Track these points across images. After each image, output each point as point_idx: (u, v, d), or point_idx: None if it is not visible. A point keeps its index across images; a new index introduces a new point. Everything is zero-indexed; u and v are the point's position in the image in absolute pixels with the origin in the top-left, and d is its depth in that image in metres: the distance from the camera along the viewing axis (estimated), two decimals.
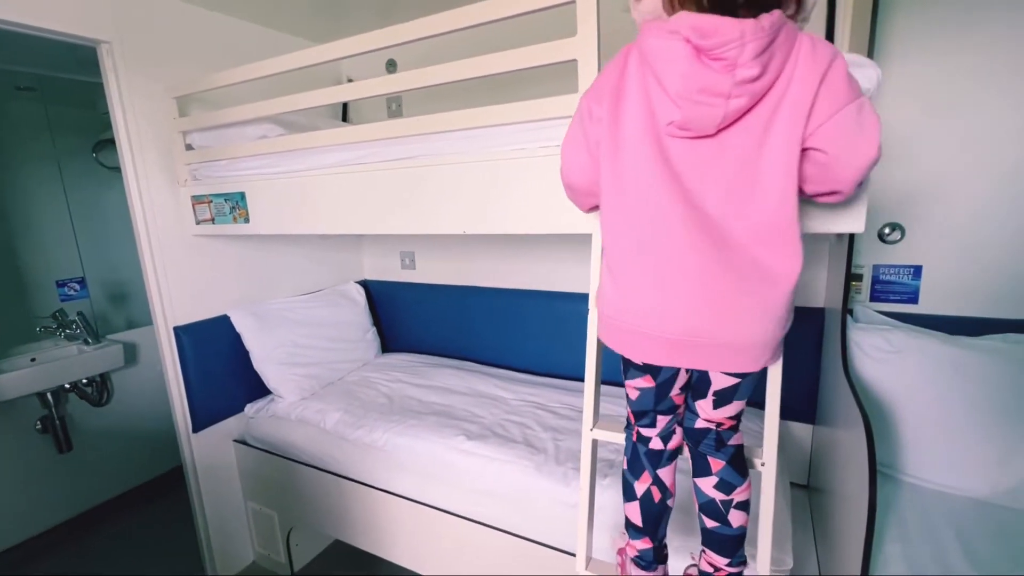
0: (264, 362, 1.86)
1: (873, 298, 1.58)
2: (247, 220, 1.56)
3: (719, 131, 0.68)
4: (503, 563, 1.41)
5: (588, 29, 0.93)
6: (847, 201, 0.80)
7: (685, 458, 0.94)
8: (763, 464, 0.88)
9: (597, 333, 0.91)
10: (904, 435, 1.31)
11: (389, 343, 2.47)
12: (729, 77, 0.63)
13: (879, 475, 1.30)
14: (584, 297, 0.84)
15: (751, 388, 0.83)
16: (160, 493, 2.48)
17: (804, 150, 0.67)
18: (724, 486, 0.87)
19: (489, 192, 1.16)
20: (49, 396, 2.14)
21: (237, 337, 1.86)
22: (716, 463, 0.87)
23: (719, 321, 0.72)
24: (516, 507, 1.39)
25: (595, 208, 0.86)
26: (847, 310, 1.41)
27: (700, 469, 0.89)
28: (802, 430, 1.69)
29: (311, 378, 1.95)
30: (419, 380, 2.04)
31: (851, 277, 1.47)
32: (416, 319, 2.41)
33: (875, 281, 1.57)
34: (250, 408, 1.93)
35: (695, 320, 0.73)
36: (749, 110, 0.66)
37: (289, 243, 2.12)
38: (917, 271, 1.51)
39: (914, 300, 1.52)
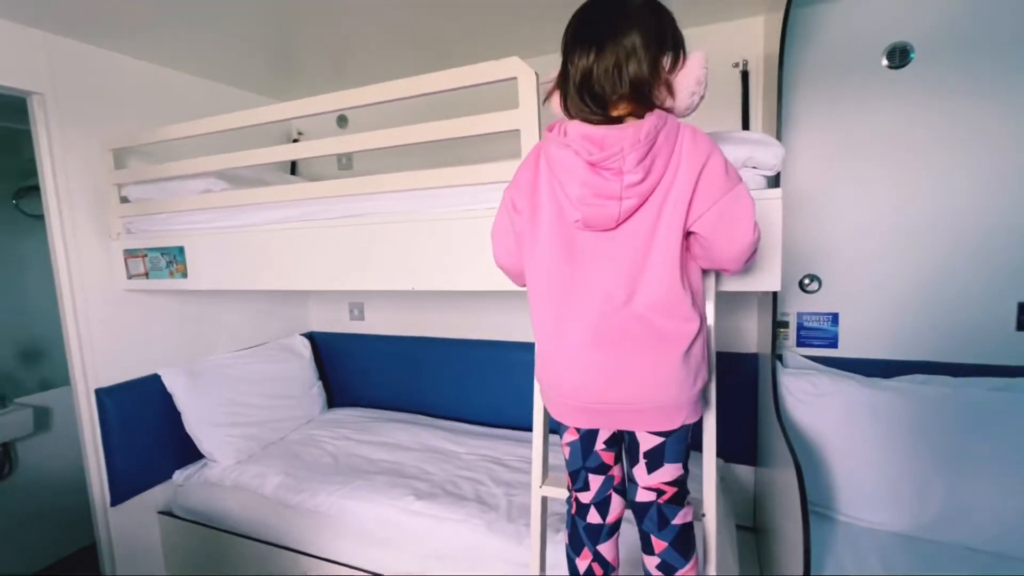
0: (197, 424, 1.74)
1: (800, 343, 1.70)
2: (184, 275, 1.50)
3: (618, 225, 0.76)
4: None
5: (528, 102, 1.01)
6: (764, 264, 0.89)
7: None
8: (703, 515, 0.91)
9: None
10: (835, 475, 1.39)
11: (336, 398, 2.38)
12: (618, 182, 0.72)
13: (816, 516, 1.37)
14: (533, 347, 0.88)
15: (678, 449, 0.85)
16: (80, 569, 2.19)
17: (691, 233, 0.76)
18: (666, 568, 0.87)
19: (437, 250, 1.19)
20: None
21: (168, 398, 1.74)
22: (658, 543, 0.87)
23: (623, 387, 0.79)
24: (467, 569, 1.34)
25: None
26: (776, 356, 1.52)
27: (644, 546, 0.90)
28: (745, 472, 1.76)
29: (250, 439, 1.84)
30: (367, 436, 1.97)
31: (778, 324, 1.59)
32: (365, 372, 2.34)
33: (800, 327, 1.69)
34: (179, 475, 1.78)
35: (602, 388, 0.80)
36: (641, 205, 0.75)
37: (230, 296, 2.04)
38: (835, 318, 1.65)
39: (834, 344, 1.66)
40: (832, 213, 1.60)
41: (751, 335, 1.73)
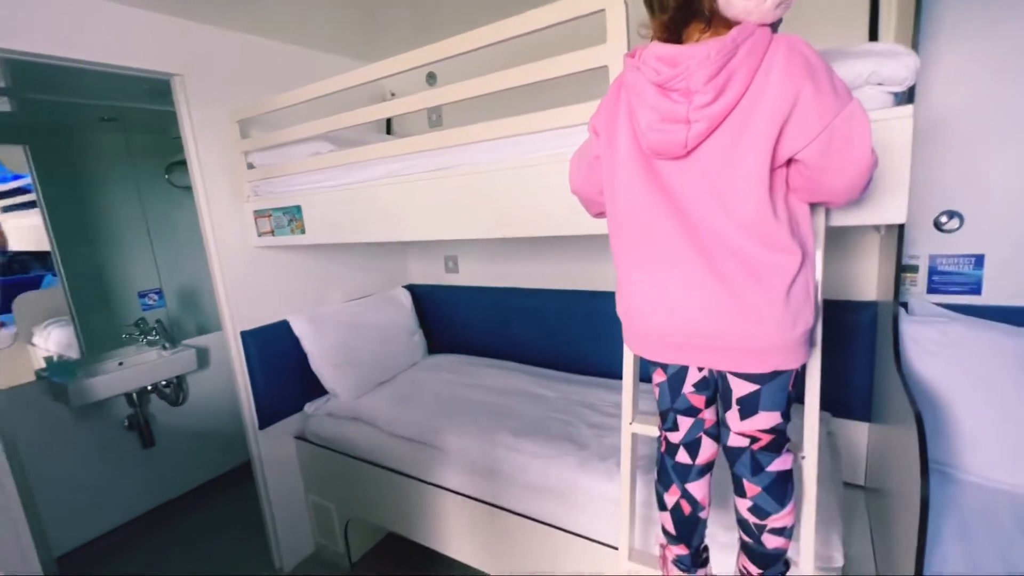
0: (321, 363, 1.98)
1: (931, 290, 1.51)
2: (303, 231, 1.68)
3: (691, 152, 0.71)
4: (548, 556, 1.45)
5: (617, 36, 0.96)
6: (886, 191, 0.79)
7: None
8: (803, 457, 0.88)
9: None
10: (964, 432, 1.25)
11: (435, 344, 2.56)
12: (686, 104, 0.67)
13: (937, 474, 1.25)
14: None
15: (777, 399, 0.80)
16: (232, 485, 2.67)
17: (792, 161, 0.69)
18: (758, 512, 0.85)
19: (525, 196, 1.21)
20: (134, 396, 2.37)
21: (296, 340, 1.99)
22: (751, 487, 0.85)
23: (711, 321, 0.75)
24: (561, 502, 1.42)
25: (602, 215, 0.93)
26: (900, 303, 1.37)
27: (736, 488, 0.88)
28: (858, 429, 1.64)
29: (364, 378, 2.06)
30: (464, 379, 2.11)
31: (903, 269, 1.42)
32: (460, 321, 2.49)
33: (932, 272, 1.50)
34: (309, 407, 2.06)
35: (689, 321, 0.77)
36: (714, 130, 0.69)
37: (340, 252, 2.25)
38: (979, 260, 1.44)
39: (976, 291, 1.45)
40: (983, 142, 1.36)
41: (869, 282, 1.57)
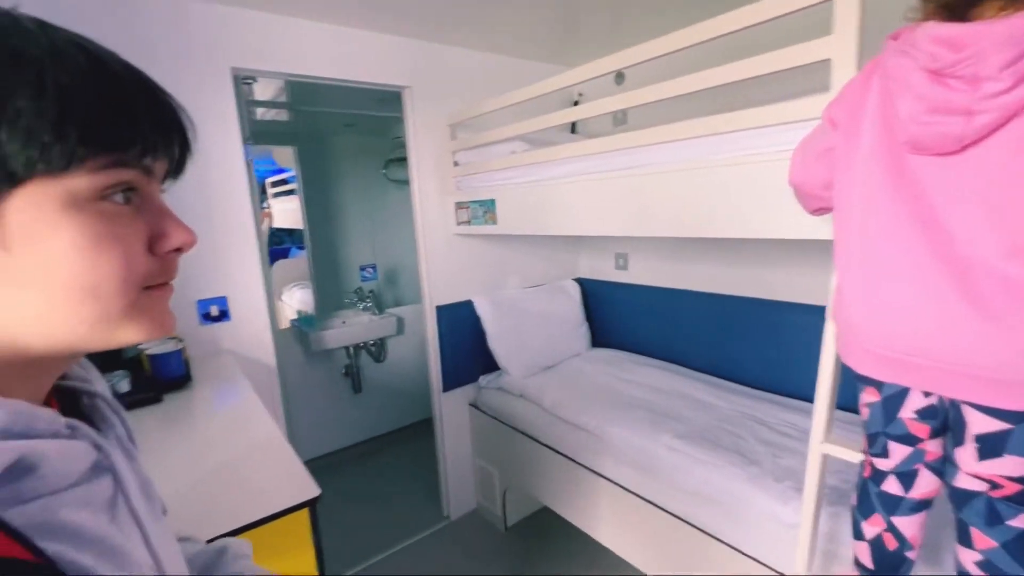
0: (496, 342, 2.19)
1: None
2: (495, 222, 1.88)
3: (966, 148, 0.61)
4: (702, 565, 1.42)
5: (848, 27, 0.89)
6: None
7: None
8: None
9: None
10: None
11: (599, 338, 2.62)
12: (970, 92, 0.58)
13: None
14: (816, 309, 0.82)
15: None
16: (416, 435, 3.11)
17: None
18: (991, 569, 0.71)
19: (710, 197, 1.19)
20: (351, 350, 2.92)
21: (477, 319, 2.24)
22: (984, 540, 0.71)
23: (950, 341, 0.65)
24: (723, 513, 1.38)
25: (820, 211, 0.86)
26: None
27: (961, 537, 0.75)
28: None
29: (532, 361, 2.22)
30: (626, 375, 2.14)
31: None
32: (625, 318, 2.51)
33: None
34: (483, 379, 2.30)
35: (920, 338, 0.68)
36: (1004, 124, 0.58)
37: (521, 242, 2.44)
38: None
39: None
40: None
41: None
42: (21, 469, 0.29)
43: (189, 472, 0.98)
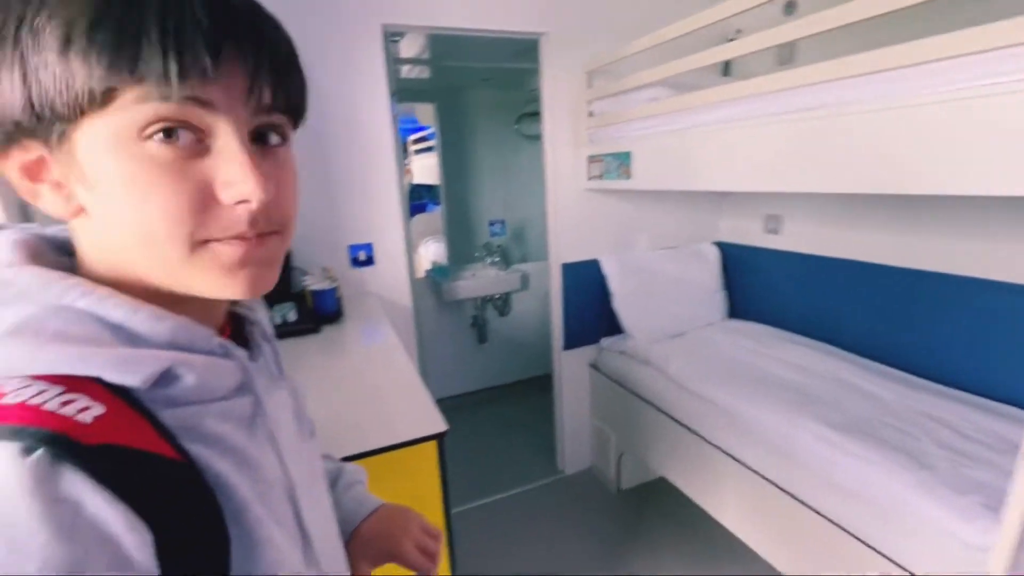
0: (622, 304, 2.11)
1: None
2: (629, 177, 1.77)
3: None
4: (846, 569, 1.25)
5: None
6: None
7: None
8: None
9: None
10: None
11: (737, 308, 2.39)
12: None
13: None
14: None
15: None
16: (534, 390, 3.20)
17: None
18: None
19: (905, 145, 0.95)
20: (478, 302, 3.06)
21: (602, 279, 2.17)
22: None
23: None
24: (878, 517, 1.19)
25: None
26: None
27: None
28: None
29: (659, 326, 2.11)
30: (767, 351, 1.93)
31: None
32: (772, 288, 2.24)
33: None
34: (604, 341, 2.25)
35: None
36: None
37: (654, 199, 2.28)
38: None
39: None
40: None
41: None
42: (174, 376, 0.32)
43: (338, 395, 1.10)
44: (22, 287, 0.30)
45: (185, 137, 0.30)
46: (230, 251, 0.32)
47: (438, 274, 3.05)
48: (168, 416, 0.31)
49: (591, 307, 2.22)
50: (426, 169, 3.62)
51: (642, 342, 2.06)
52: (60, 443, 0.25)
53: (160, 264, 0.32)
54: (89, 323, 0.30)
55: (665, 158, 1.61)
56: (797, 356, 1.85)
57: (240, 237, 0.32)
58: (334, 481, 0.61)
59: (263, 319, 0.46)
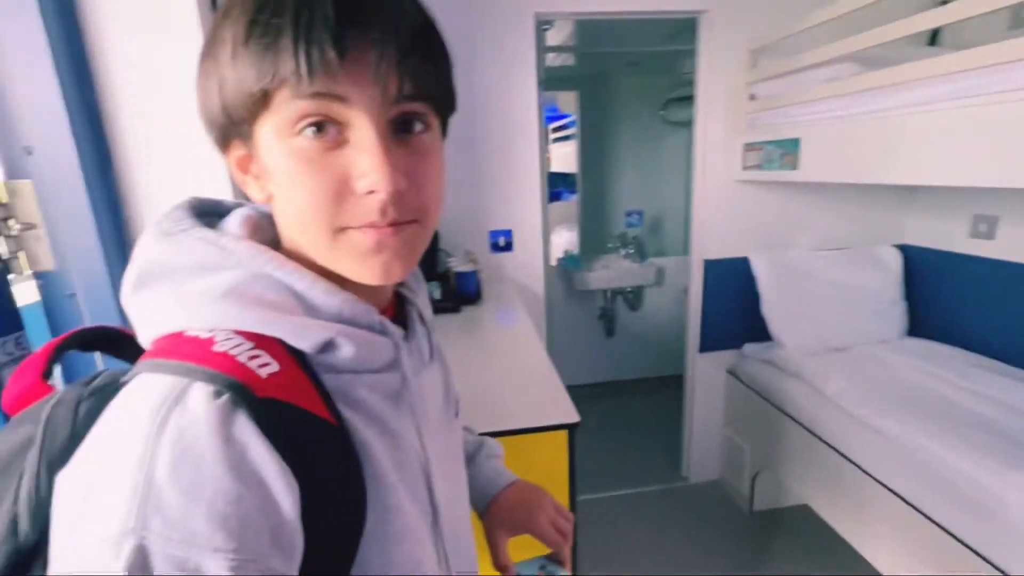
0: (773, 309, 1.90)
1: None
2: (794, 167, 1.57)
3: None
4: None
5: None
6: None
7: None
8: None
9: None
10: None
11: (921, 325, 2.02)
12: None
13: None
14: None
15: None
16: (663, 390, 3.06)
17: None
18: None
19: None
20: (608, 294, 3.00)
21: (751, 280, 1.97)
22: None
23: None
24: None
25: None
26: None
27: None
28: None
29: (817, 337, 1.86)
30: (961, 381, 1.59)
31: None
32: (973, 305, 1.84)
33: None
34: (748, 347, 2.05)
35: None
36: None
37: (821, 193, 2.01)
38: None
39: None
40: None
41: None
42: (335, 346, 0.35)
43: (475, 373, 1.17)
44: (240, 257, 0.35)
45: (331, 130, 0.32)
46: (364, 238, 0.34)
47: (570, 263, 3.05)
48: (329, 379, 0.35)
49: (734, 309, 2.05)
50: (563, 157, 3.62)
51: (794, 353, 1.84)
52: (241, 391, 0.29)
53: (313, 247, 0.36)
54: (282, 291, 0.34)
55: (845, 145, 1.40)
56: (1003, 390, 1.50)
57: (372, 225, 0.34)
58: (476, 451, 0.65)
59: (422, 302, 0.49)
